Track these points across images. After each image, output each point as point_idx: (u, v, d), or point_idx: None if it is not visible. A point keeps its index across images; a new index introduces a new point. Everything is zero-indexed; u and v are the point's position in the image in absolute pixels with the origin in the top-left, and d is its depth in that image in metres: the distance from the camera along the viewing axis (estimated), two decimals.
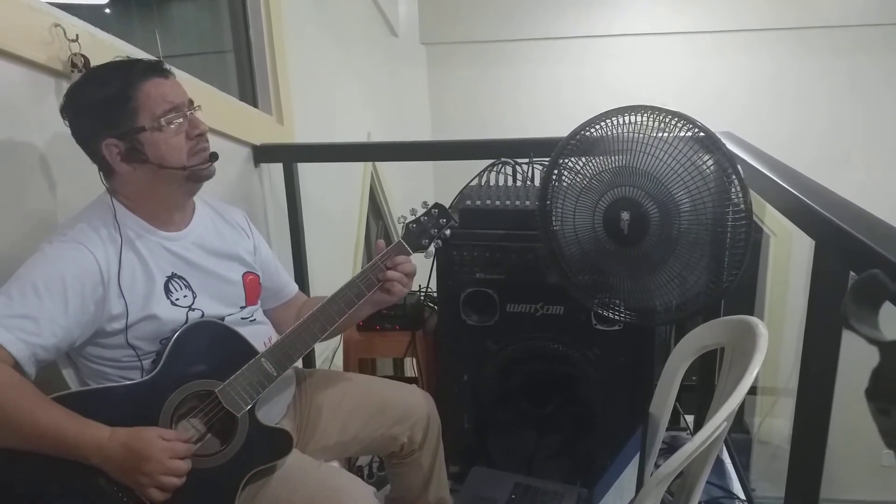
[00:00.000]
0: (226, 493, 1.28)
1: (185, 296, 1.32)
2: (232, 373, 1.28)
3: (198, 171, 1.31)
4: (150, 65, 1.26)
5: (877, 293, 0.38)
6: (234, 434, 1.28)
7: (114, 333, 1.22)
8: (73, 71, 1.36)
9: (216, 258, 1.41)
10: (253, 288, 1.48)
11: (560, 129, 1.61)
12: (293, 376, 1.56)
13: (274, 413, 1.45)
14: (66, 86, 1.39)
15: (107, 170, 1.27)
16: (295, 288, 1.68)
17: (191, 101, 1.31)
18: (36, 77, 1.33)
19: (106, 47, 1.52)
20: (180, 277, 1.33)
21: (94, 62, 1.39)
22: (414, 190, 4.69)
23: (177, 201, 1.34)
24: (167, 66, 1.30)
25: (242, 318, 1.42)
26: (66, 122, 1.25)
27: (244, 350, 1.32)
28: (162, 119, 1.24)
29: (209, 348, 1.30)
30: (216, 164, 1.36)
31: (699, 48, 5.04)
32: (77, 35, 1.37)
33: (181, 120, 1.27)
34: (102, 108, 1.22)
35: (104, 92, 1.21)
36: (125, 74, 1.23)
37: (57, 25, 1.34)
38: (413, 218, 1.53)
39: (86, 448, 1.10)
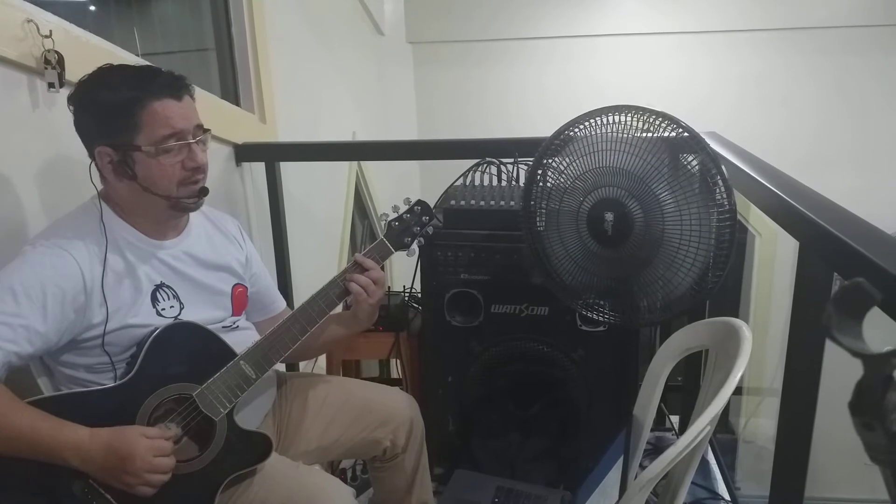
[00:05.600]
0: (203, 499, 1.26)
1: (171, 306, 1.30)
2: (210, 376, 1.26)
3: (182, 203, 1.29)
4: (167, 82, 1.22)
5: (861, 303, 0.37)
6: (212, 438, 1.26)
7: (90, 339, 1.20)
8: (46, 68, 1.33)
9: (206, 269, 1.39)
10: (240, 300, 1.47)
11: (546, 129, 1.60)
12: (274, 379, 1.54)
13: (254, 417, 1.44)
14: (39, 83, 1.36)
15: (100, 174, 1.25)
16: (283, 304, 1.67)
17: (199, 127, 1.28)
18: (7, 74, 1.30)
19: (81, 44, 1.49)
20: (168, 287, 1.31)
21: (68, 59, 1.36)
22: (400, 190, 4.68)
23: (162, 218, 1.32)
24: (188, 85, 1.26)
25: (224, 327, 1.40)
26: (71, 110, 1.22)
27: (222, 352, 1.30)
28: (160, 145, 1.21)
29: (186, 351, 1.27)
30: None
31: (686, 48, 5.06)
32: (51, 31, 1.33)
33: (180, 148, 1.24)
34: (105, 114, 1.19)
35: (110, 98, 1.18)
36: (137, 87, 1.19)
37: (30, 21, 1.30)
38: (396, 215, 1.52)
39: (64, 449, 1.08)
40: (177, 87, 1.24)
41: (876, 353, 0.35)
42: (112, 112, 1.19)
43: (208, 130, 1.31)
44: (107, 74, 1.22)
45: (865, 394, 0.35)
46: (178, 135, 1.23)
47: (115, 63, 1.25)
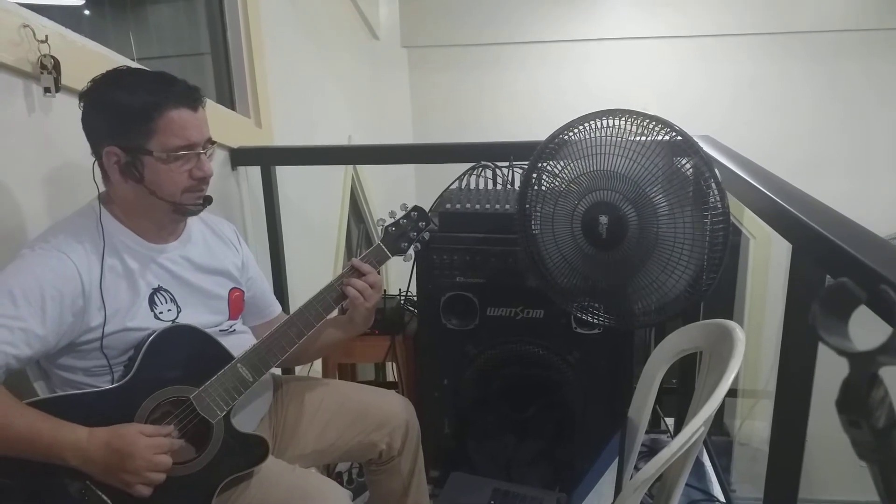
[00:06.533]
0: (200, 502, 1.26)
1: (168, 309, 1.31)
2: (207, 378, 1.26)
3: (185, 207, 1.30)
4: (185, 92, 1.23)
5: (846, 303, 0.38)
6: (209, 441, 1.26)
7: (88, 342, 1.20)
8: (42, 72, 1.33)
9: (203, 273, 1.40)
10: (237, 304, 1.47)
11: (541, 132, 1.60)
12: (270, 382, 1.55)
13: (250, 419, 1.44)
14: (35, 88, 1.37)
15: (103, 173, 1.26)
16: (278, 309, 1.67)
17: (209, 141, 1.29)
18: (3, 79, 1.30)
19: (77, 49, 1.50)
20: (166, 291, 1.31)
21: (64, 64, 1.36)
22: (396, 194, 4.68)
23: (163, 221, 1.33)
24: (202, 97, 1.28)
25: (221, 331, 1.41)
26: (80, 107, 1.22)
27: (220, 355, 1.31)
28: (171, 152, 1.22)
29: (184, 354, 1.28)
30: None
31: (680, 52, 5.07)
32: (46, 36, 1.34)
33: (189, 157, 1.25)
34: (120, 115, 1.20)
35: (128, 101, 1.19)
36: (156, 93, 1.20)
37: (26, 26, 1.31)
38: (392, 221, 1.53)
39: (63, 449, 1.08)
40: (194, 97, 1.25)
41: (861, 352, 0.35)
42: (128, 114, 1.19)
43: (215, 142, 1.32)
44: (124, 76, 1.23)
45: (851, 392, 0.36)
46: (190, 146, 1.24)
47: (113, 66, 1.25)
